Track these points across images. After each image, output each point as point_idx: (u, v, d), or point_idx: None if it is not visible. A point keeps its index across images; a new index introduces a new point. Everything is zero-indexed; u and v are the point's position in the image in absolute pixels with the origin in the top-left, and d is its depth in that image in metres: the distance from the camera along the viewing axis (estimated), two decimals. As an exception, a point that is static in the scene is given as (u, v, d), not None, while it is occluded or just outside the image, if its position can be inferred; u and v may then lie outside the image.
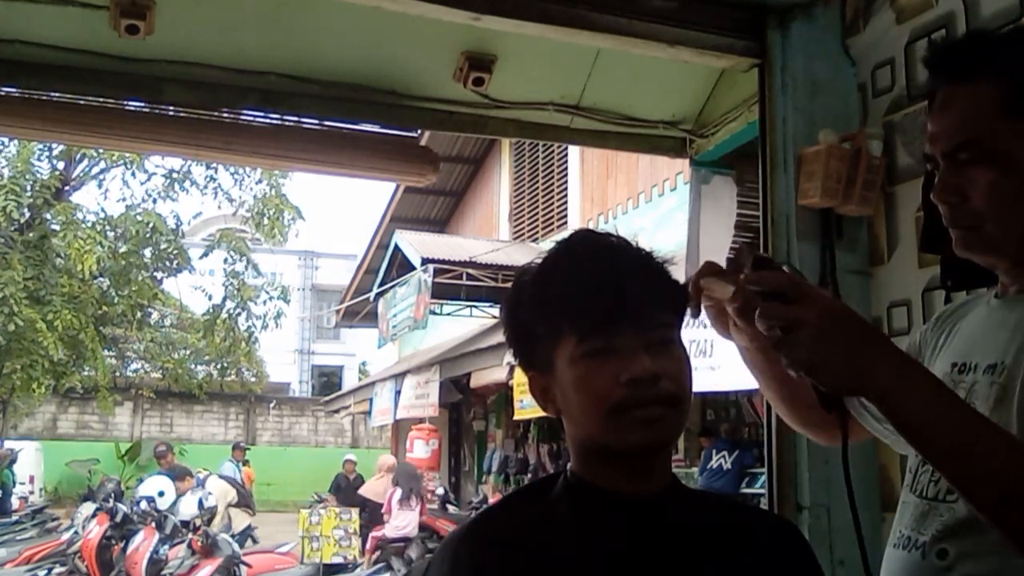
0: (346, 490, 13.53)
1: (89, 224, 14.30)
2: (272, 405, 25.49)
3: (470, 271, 11.71)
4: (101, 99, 2.88)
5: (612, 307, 1.01)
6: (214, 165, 14.36)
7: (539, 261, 1.09)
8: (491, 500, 11.36)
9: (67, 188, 14.59)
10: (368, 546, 10.17)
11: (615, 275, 1.03)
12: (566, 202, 12.55)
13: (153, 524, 9.10)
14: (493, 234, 14.47)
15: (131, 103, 2.93)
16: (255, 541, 10.64)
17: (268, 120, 3.05)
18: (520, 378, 9.03)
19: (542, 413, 1.14)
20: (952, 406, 1.02)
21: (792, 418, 1.39)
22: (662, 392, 1.01)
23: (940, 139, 1.16)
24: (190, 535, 8.60)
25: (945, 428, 0.99)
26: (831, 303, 1.03)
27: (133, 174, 14.52)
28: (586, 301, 1.02)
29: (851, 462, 1.07)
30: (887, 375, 1.00)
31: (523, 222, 13.94)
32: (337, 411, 19.57)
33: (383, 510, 10.35)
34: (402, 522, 9.71)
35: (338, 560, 9.28)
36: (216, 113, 2.98)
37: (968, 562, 1.10)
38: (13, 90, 2.81)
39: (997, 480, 0.96)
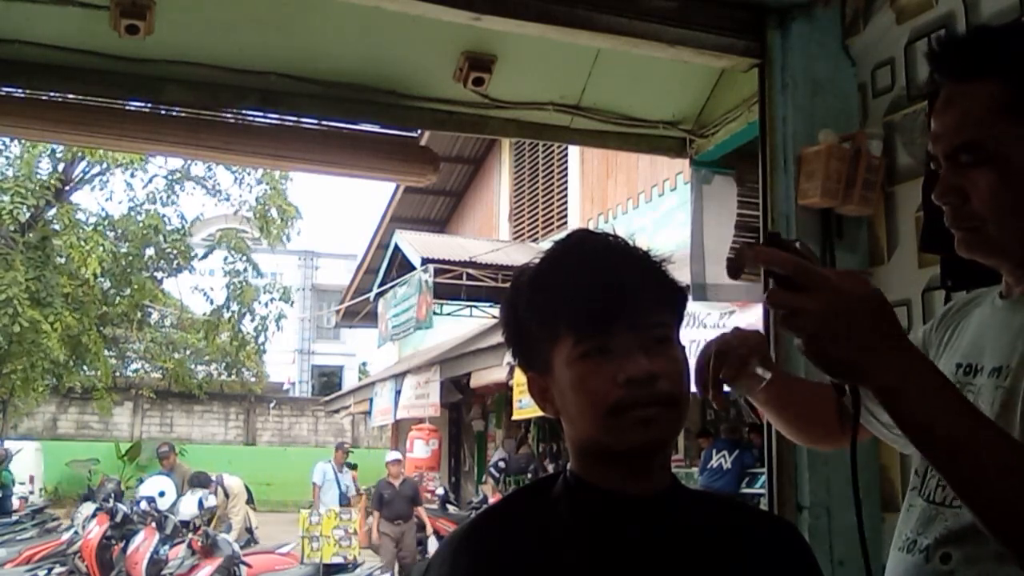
0: (392, 501, 10.06)
1: (90, 225, 14.30)
2: (272, 405, 25.47)
3: (470, 271, 11.71)
4: (101, 99, 2.88)
5: (608, 307, 1.01)
6: (213, 165, 14.37)
7: (536, 262, 1.09)
8: (491, 500, 11.36)
9: (67, 189, 14.58)
10: None
11: (611, 275, 1.02)
12: (566, 202, 12.55)
13: (153, 524, 9.10)
14: (493, 234, 14.47)
15: (131, 103, 2.94)
16: (255, 541, 10.63)
17: (268, 120, 3.05)
18: (520, 378, 9.04)
19: (541, 412, 1.13)
20: (956, 408, 0.96)
21: (802, 440, 1.48)
22: (659, 392, 1.00)
23: (942, 139, 1.13)
24: (190, 535, 8.59)
25: (948, 431, 0.95)
26: (839, 293, 0.94)
27: (132, 174, 14.51)
28: (582, 302, 1.01)
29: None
30: (890, 372, 0.94)
31: (523, 222, 13.94)
32: (337, 411, 19.59)
33: None
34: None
35: (338, 560, 9.25)
36: (216, 113, 2.98)
37: (971, 567, 1.09)
38: (13, 90, 2.81)
39: (995, 486, 0.93)
